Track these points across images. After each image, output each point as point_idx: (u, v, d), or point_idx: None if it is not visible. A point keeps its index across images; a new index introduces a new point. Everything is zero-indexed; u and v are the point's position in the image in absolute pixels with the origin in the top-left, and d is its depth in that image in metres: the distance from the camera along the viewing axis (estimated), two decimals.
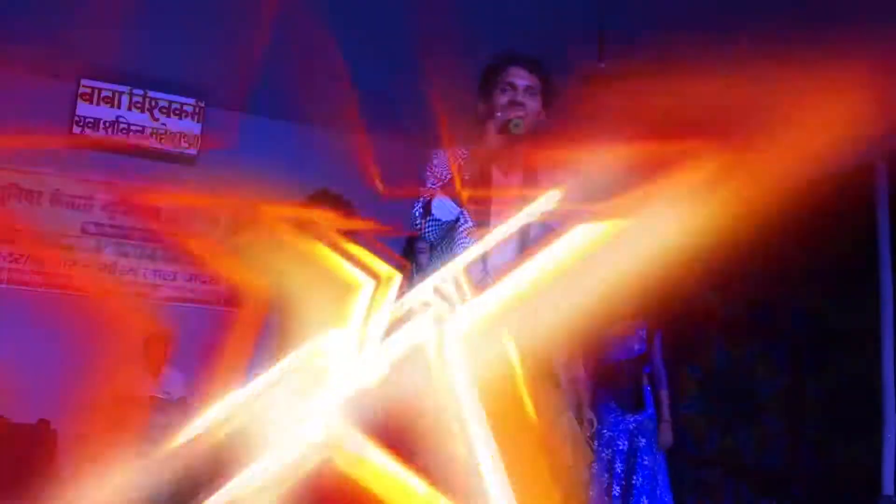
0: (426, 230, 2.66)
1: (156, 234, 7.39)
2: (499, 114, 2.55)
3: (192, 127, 7.29)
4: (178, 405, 6.29)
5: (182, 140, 7.27)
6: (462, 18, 5.81)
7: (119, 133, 7.13)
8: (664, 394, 4.81)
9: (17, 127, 7.02)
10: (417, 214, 2.68)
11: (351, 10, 5.86)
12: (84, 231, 7.17)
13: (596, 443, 4.70)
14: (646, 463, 4.62)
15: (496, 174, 2.64)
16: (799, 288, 9.04)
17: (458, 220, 2.63)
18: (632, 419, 4.67)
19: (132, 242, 7.32)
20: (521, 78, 2.60)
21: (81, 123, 7.05)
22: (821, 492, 8.68)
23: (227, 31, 6.24)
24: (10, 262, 6.93)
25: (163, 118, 7.24)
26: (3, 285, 6.90)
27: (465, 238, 2.61)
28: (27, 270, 6.97)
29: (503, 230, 2.42)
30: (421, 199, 2.66)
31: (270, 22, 6.05)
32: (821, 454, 8.86)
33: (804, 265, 9.00)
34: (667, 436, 4.69)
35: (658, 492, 4.61)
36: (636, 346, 4.80)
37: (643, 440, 4.65)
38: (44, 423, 6.57)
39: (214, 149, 7.41)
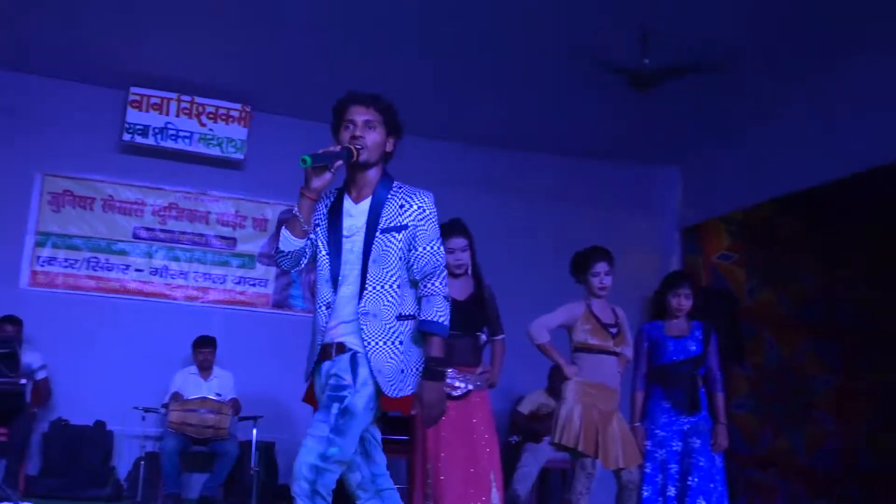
0: (279, 261, 2.91)
1: (205, 238, 7.50)
2: (348, 145, 2.78)
3: (238, 132, 7.38)
4: (230, 406, 6.38)
5: (229, 145, 7.36)
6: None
7: (168, 139, 7.25)
8: (720, 396, 4.74)
9: (69, 135, 7.18)
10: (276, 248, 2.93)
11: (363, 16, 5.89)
12: (136, 236, 7.30)
13: (649, 442, 4.66)
14: (702, 464, 4.56)
15: (347, 202, 2.88)
16: (851, 284, 8.87)
17: (313, 248, 2.88)
18: (686, 421, 4.62)
19: (182, 246, 7.44)
20: (359, 114, 2.81)
21: (131, 130, 7.17)
22: (877, 491, 8.50)
23: (271, 36, 6.32)
24: (66, 266, 7.08)
25: (210, 123, 7.34)
26: (59, 290, 7.06)
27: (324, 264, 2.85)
28: (82, 276, 7.12)
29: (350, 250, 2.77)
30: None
31: (312, 26, 6.11)
32: (876, 453, 8.68)
33: (856, 261, 8.83)
34: (723, 438, 4.62)
35: (716, 495, 4.55)
36: (692, 348, 4.74)
37: (698, 441, 4.59)
38: (100, 424, 6.71)
39: (261, 153, 7.50)
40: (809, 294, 8.81)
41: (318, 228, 2.88)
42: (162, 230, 7.40)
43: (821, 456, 8.63)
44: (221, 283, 7.48)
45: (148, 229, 7.36)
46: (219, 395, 6.51)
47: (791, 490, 8.41)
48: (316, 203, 2.83)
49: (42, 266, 7.06)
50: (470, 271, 4.34)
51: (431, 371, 2.75)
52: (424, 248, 2.79)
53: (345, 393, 2.65)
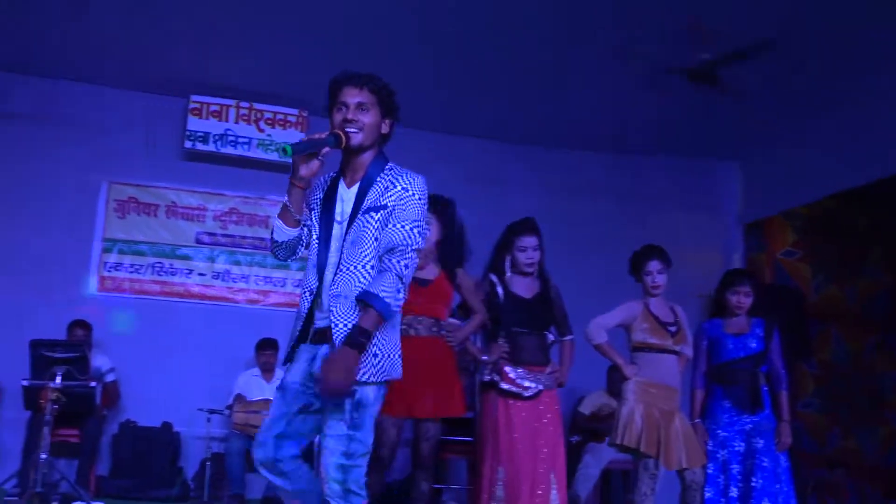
0: (274, 251, 2.90)
1: (265, 242, 7.61)
2: (336, 131, 2.70)
3: (296, 136, 7.47)
4: None
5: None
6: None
7: (227, 145, 7.38)
8: (784, 394, 4.64)
9: (133, 143, 7.36)
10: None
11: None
12: (198, 241, 7.45)
13: (710, 442, 4.59)
14: (765, 465, 4.48)
15: (341, 186, 2.80)
16: None
17: (307, 236, 2.84)
18: (748, 420, 4.54)
19: (243, 250, 7.57)
20: (351, 96, 2.73)
21: (192, 137, 7.32)
22: None
23: (326, 40, 6.38)
24: (132, 272, 7.26)
25: (268, 129, 7.46)
26: (126, 295, 7.24)
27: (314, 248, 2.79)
28: (147, 280, 7.29)
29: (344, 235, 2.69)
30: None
31: (365, 29, 6.16)
32: None
33: None
34: (786, 437, 4.52)
35: (782, 496, 4.47)
36: (753, 345, 4.65)
37: (761, 441, 4.50)
38: (167, 425, 6.85)
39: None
40: (876, 289, 8.58)
41: (314, 214, 2.83)
42: (223, 235, 7.54)
43: (892, 456, 8.40)
44: (282, 287, 7.59)
45: (210, 234, 7.51)
46: None
47: (861, 490, 8.19)
48: (304, 191, 2.76)
49: (109, 272, 7.25)
50: (536, 271, 4.33)
51: (353, 338, 2.54)
52: (395, 226, 2.65)
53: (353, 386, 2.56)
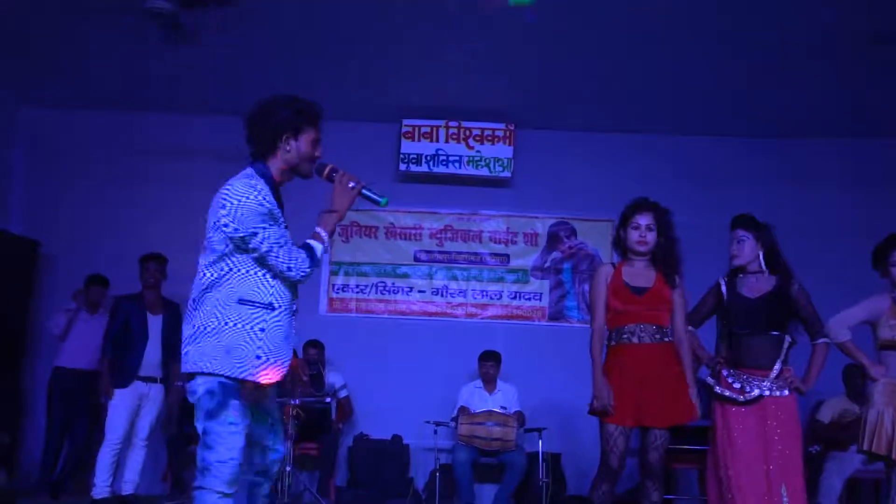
0: (310, 273, 3.16)
1: (480, 257, 7.76)
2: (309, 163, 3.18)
3: (504, 150, 7.58)
4: (514, 418, 6.51)
5: (496, 164, 7.58)
6: None
7: (439, 165, 7.61)
8: None
9: (353, 170, 7.74)
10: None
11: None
12: (416, 259, 7.72)
13: None
14: None
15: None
16: None
17: None
18: None
19: (460, 266, 7.76)
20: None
21: (406, 160, 7.61)
22: None
23: (529, 55, 6.42)
24: (357, 292, 7.65)
25: (477, 146, 7.61)
26: (353, 315, 7.63)
27: None
28: (372, 300, 7.65)
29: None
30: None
31: (566, 40, 6.13)
32: None
33: None
34: None
35: None
36: None
37: None
38: (397, 438, 7.12)
39: (527, 168, 7.64)
40: None
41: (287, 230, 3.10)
42: (440, 252, 7.77)
43: None
44: (498, 299, 7.69)
45: (427, 252, 7.76)
46: (504, 407, 6.68)
47: None
48: None
49: (337, 293, 7.67)
50: (764, 267, 4.07)
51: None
52: None
53: None
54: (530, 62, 6.56)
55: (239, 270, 2.94)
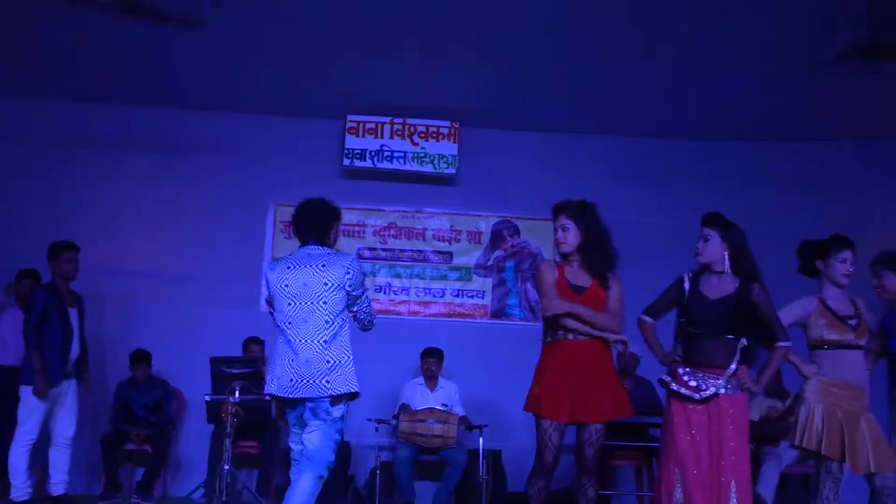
0: None
1: (423, 254, 7.76)
2: None
3: (449, 148, 7.59)
4: (457, 416, 6.52)
5: (441, 161, 7.58)
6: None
7: (384, 160, 7.59)
8: None
9: (296, 166, 7.69)
10: None
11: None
12: (360, 256, 7.68)
13: None
14: None
15: None
16: None
17: None
18: None
19: (403, 263, 7.75)
20: None
21: (350, 155, 7.57)
22: None
23: (476, 54, 6.43)
24: None
25: (422, 142, 7.61)
26: None
27: None
28: None
29: None
30: None
31: (513, 39, 6.16)
32: None
33: None
34: None
35: None
36: None
37: None
38: None
39: (471, 167, 7.67)
40: None
41: None
42: (383, 249, 7.75)
43: None
44: (441, 297, 7.70)
45: (370, 249, 7.73)
46: (445, 405, 6.68)
47: None
48: None
49: None
50: (728, 268, 4.03)
51: None
52: None
53: None
54: (475, 62, 6.57)
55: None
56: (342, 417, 4.15)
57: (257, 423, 6.46)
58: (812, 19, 5.57)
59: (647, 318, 4.18)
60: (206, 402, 6.20)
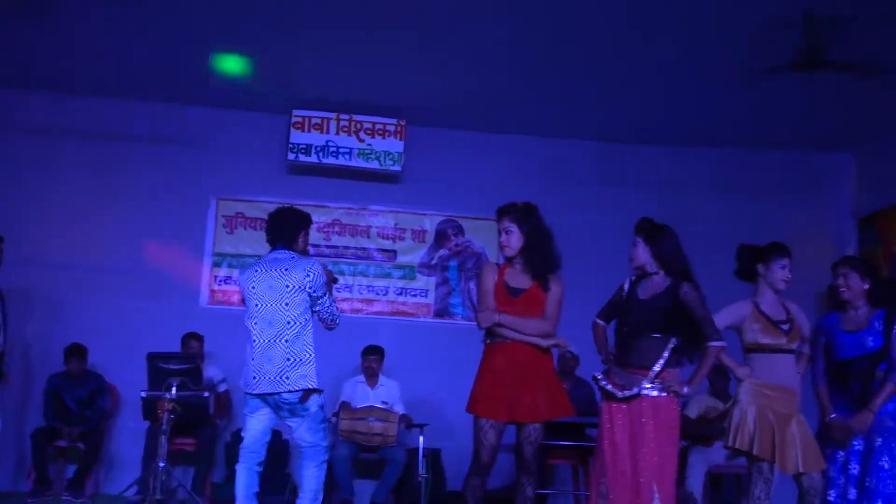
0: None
1: (367, 252, 7.73)
2: None
3: (395, 145, 7.57)
4: (397, 414, 6.51)
5: (387, 158, 7.56)
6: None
7: (329, 156, 7.53)
8: (889, 386, 4.33)
9: (239, 160, 7.59)
10: None
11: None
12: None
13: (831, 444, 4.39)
14: (883, 464, 4.24)
15: None
16: None
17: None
18: None
19: (347, 261, 7.70)
20: None
21: (295, 150, 7.50)
22: None
23: (422, 51, 6.42)
24: (221, 283, 7.47)
25: (368, 139, 7.57)
26: (236, 308, 7.40)
27: None
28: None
29: None
30: None
31: (458, 38, 6.17)
32: None
33: None
34: (860, 424, 4.24)
35: None
36: (870, 342, 4.39)
37: (879, 440, 4.28)
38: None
39: (417, 165, 7.66)
40: None
41: None
42: (327, 246, 7.70)
43: None
44: (384, 295, 7.68)
45: (314, 246, 7.65)
46: (385, 402, 6.67)
47: None
48: None
49: (219, 285, 7.50)
50: (659, 269, 4.04)
51: None
52: None
53: None
54: (422, 61, 6.56)
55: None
56: (321, 407, 4.53)
57: (194, 420, 6.37)
58: (737, 33, 5.73)
59: (600, 322, 4.27)
60: (142, 398, 6.08)
